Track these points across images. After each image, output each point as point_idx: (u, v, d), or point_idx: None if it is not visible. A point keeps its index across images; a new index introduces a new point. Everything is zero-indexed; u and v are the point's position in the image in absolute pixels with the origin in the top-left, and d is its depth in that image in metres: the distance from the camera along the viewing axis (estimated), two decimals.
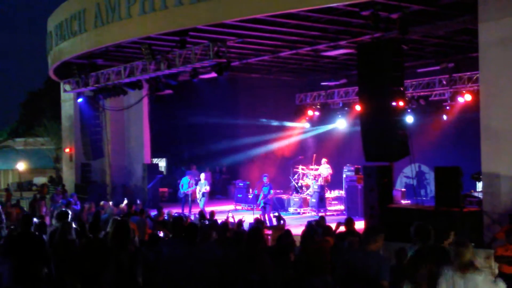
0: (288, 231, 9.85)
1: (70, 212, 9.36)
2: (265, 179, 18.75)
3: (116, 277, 6.47)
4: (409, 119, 19.32)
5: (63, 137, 27.37)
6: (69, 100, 24.77)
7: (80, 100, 21.80)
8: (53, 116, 36.98)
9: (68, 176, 26.11)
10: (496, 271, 9.23)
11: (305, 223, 11.52)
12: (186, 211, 19.14)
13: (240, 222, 12.88)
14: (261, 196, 18.37)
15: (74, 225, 8.92)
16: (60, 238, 8.39)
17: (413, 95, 20.51)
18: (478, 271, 5.56)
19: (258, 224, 11.25)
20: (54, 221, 10.41)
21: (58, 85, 25.52)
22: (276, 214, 14.02)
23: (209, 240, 7.67)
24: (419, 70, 19.87)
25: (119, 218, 8.13)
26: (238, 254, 7.04)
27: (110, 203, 17.12)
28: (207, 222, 12.69)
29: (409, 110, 19.62)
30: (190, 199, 19.70)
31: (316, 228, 10.14)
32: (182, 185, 20.00)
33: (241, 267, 6.72)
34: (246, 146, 25.67)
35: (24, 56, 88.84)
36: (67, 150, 26.16)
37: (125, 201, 16.61)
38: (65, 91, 22.94)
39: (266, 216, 17.28)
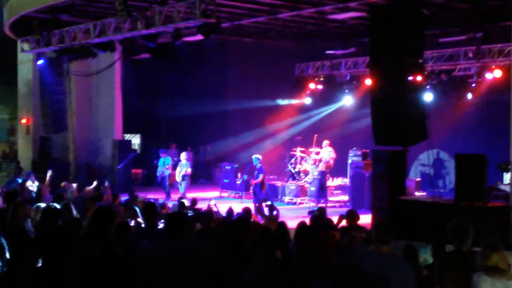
0: (283, 224, 9.83)
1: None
2: (256, 161, 18.73)
3: (82, 274, 6.41)
4: (428, 97, 19.32)
5: (19, 106, 27.23)
6: (27, 62, 24.58)
7: (40, 62, 21.69)
8: (8, 81, 36.65)
9: (25, 151, 26.01)
10: None
11: (302, 215, 11.53)
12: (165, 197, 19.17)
13: (231, 211, 12.87)
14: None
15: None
16: (11, 223, 8.28)
17: (434, 69, 20.54)
18: (509, 275, 5.48)
19: (245, 214, 11.24)
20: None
21: (15, 44, 25.31)
22: (269, 203, 14.01)
23: (192, 232, 7.65)
24: (441, 40, 19.84)
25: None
26: (225, 248, 7.01)
27: (74, 185, 17.04)
28: (189, 212, 12.67)
29: (428, 87, 19.63)
30: (167, 183, 19.72)
31: (321, 222, 10.13)
32: (160, 167, 20.07)
33: (231, 264, 6.69)
34: (235, 123, 25.64)
35: None
36: (23, 121, 26.05)
37: (94, 184, 16.49)
38: (22, 51, 22.80)
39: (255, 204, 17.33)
